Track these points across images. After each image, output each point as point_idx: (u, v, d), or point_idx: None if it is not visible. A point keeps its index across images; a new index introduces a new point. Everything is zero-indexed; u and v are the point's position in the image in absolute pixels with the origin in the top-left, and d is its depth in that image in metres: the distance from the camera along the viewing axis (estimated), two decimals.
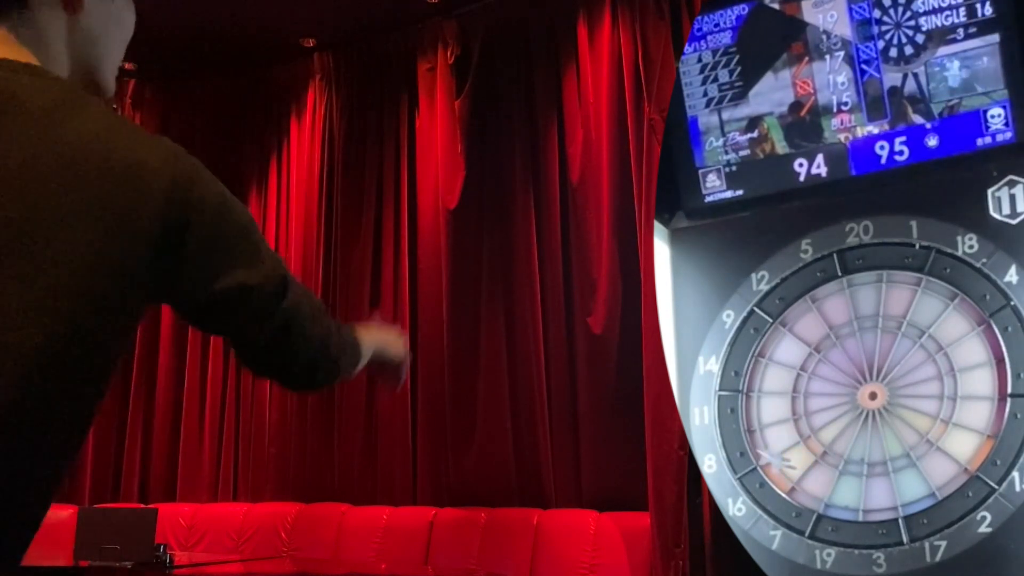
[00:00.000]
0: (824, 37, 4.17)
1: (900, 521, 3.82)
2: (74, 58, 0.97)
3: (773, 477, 4.08)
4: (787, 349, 4.15)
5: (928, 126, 3.99)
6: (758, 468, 4.10)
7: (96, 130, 0.87)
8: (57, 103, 0.87)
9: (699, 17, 4.41)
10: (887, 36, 4.05)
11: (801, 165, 4.23)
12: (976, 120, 3.89)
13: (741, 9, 4.32)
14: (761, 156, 4.32)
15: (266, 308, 0.99)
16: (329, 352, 1.09)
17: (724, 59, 4.36)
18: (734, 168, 4.36)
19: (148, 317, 6.19)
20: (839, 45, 4.14)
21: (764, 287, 4.22)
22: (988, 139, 3.89)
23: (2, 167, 0.82)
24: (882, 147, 4.08)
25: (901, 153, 4.04)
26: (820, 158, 4.19)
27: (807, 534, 3.96)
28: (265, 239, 1.03)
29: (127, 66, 6.20)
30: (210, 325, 1.02)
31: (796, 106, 4.24)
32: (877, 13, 4.06)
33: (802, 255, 4.16)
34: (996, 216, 3.81)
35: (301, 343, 1.04)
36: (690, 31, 4.42)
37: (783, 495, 4.03)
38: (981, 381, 3.78)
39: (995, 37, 3.84)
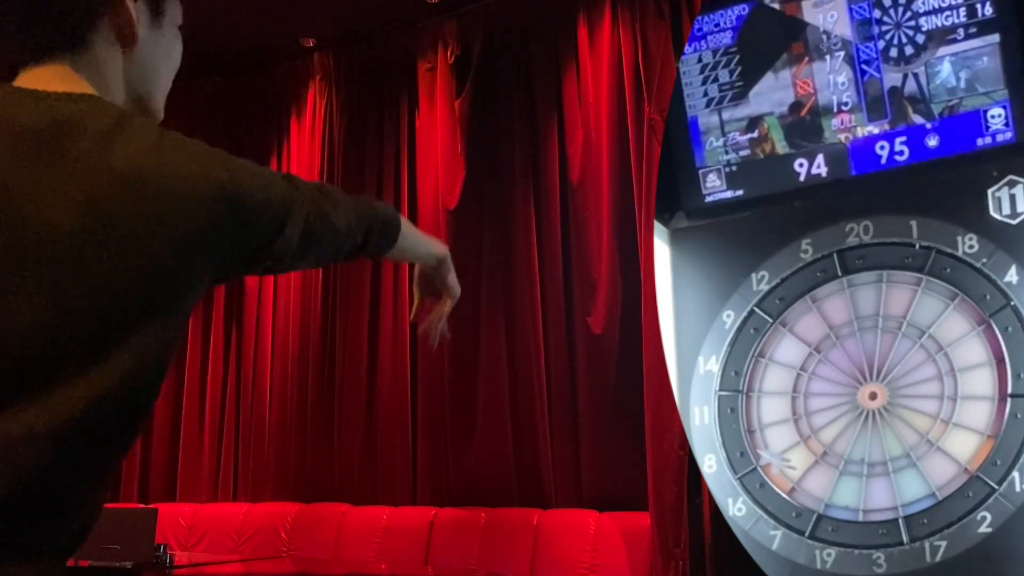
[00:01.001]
0: (824, 37, 4.16)
1: (900, 521, 3.81)
2: (129, 89, 1.07)
3: (773, 477, 4.08)
4: (787, 349, 4.15)
5: (928, 126, 3.99)
6: (758, 468, 4.10)
7: (147, 147, 0.96)
8: (112, 125, 0.95)
9: (699, 17, 4.41)
10: (887, 36, 4.05)
11: (801, 165, 4.23)
12: (976, 120, 3.89)
13: (741, 9, 4.32)
14: (761, 156, 4.32)
15: (288, 249, 1.10)
16: (355, 227, 1.21)
17: (724, 59, 4.36)
18: (734, 168, 4.36)
19: None
20: (839, 45, 4.14)
21: (764, 287, 4.22)
22: (988, 139, 3.89)
23: (66, 186, 0.90)
24: (882, 147, 4.08)
25: (901, 153, 4.04)
26: (820, 158, 4.19)
27: (807, 534, 3.96)
28: (275, 173, 1.12)
29: None
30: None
31: (796, 106, 4.24)
32: (877, 13, 4.06)
33: (802, 255, 4.16)
34: (996, 216, 3.81)
35: (330, 246, 1.17)
36: (690, 31, 4.42)
37: (783, 495, 4.03)
38: (981, 381, 3.78)
39: (995, 37, 3.84)
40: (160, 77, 1.12)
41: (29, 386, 0.87)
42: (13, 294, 0.87)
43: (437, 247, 1.47)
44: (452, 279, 1.48)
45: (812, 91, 4.19)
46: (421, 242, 1.43)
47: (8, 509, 0.87)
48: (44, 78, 0.99)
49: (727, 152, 4.37)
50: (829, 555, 3.90)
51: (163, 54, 1.11)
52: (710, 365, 4.26)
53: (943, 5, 3.93)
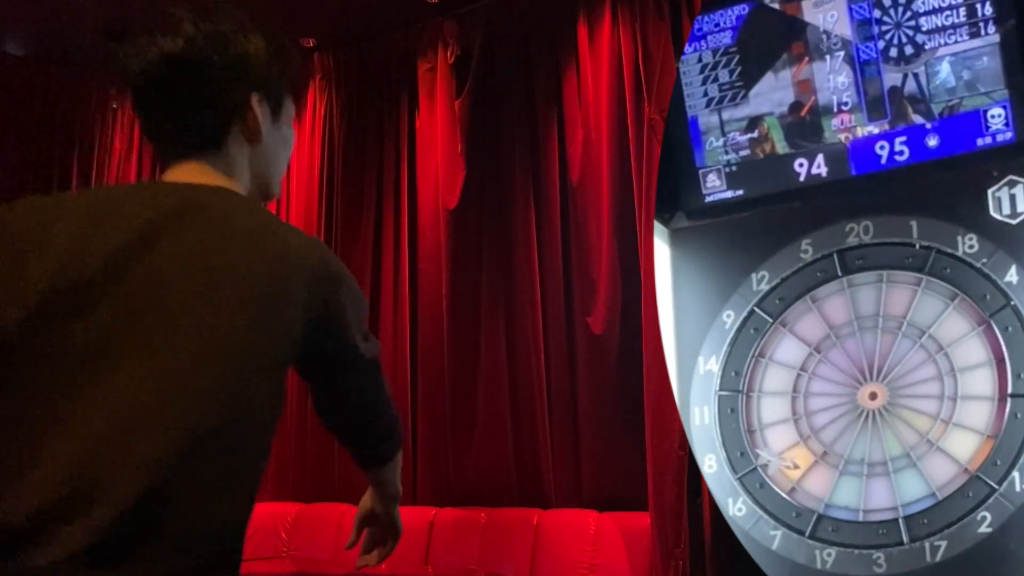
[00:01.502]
0: (824, 37, 4.17)
1: (900, 521, 3.82)
2: (254, 175, 1.29)
3: (773, 477, 4.08)
4: (787, 349, 4.15)
5: (928, 126, 3.99)
6: (758, 468, 4.10)
7: (258, 223, 1.17)
8: (231, 208, 1.18)
9: (699, 17, 4.41)
10: (887, 36, 4.05)
11: (801, 165, 4.24)
12: (976, 120, 3.89)
13: (741, 9, 4.32)
14: (761, 156, 4.32)
15: (364, 373, 1.31)
16: (390, 411, 1.41)
17: (724, 59, 4.36)
18: (734, 168, 4.36)
19: None
20: (839, 45, 4.14)
21: (764, 287, 4.22)
22: (988, 139, 3.89)
23: (189, 253, 1.11)
24: (882, 147, 4.08)
25: (901, 153, 4.05)
26: (820, 158, 4.20)
27: (807, 534, 3.96)
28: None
29: None
30: (313, 374, 1.28)
31: (796, 106, 4.24)
32: (877, 13, 4.06)
33: (802, 255, 4.16)
34: (996, 216, 3.82)
35: (374, 398, 1.36)
36: (690, 31, 4.42)
37: (783, 495, 4.04)
38: (981, 381, 3.78)
39: (995, 37, 3.84)
40: (279, 163, 1.34)
41: (152, 418, 1.03)
42: (152, 339, 1.07)
43: (400, 484, 1.58)
44: (399, 517, 1.60)
45: (812, 91, 4.19)
46: (399, 471, 1.55)
47: (121, 531, 0.97)
48: (186, 173, 1.22)
49: (727, 152, 4.37)
50: (829, 555, 3.90)
51: (281, 145, 1.32)
52: (710, 365, 4.26)
53: (943, 5, 3.93)
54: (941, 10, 3.93)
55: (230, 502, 1.08)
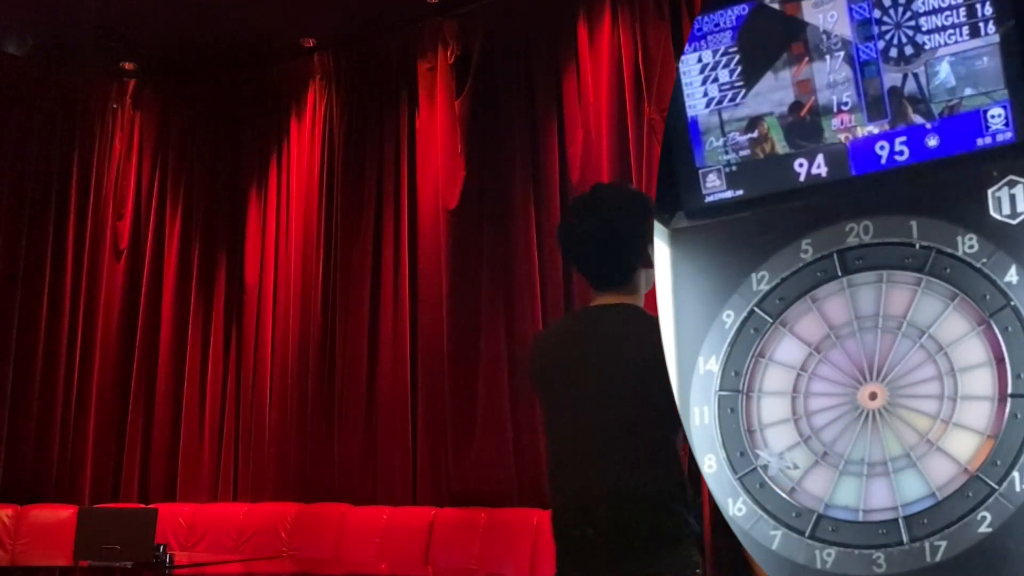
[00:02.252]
0: (824, 37, 4.17)
1: (900, 521, 3.82)
2: (645, 285, 2.03)
3: (773, 477, 4.08)
4: (787, 349, 4.15)
5: (928, 126, 3.99)
6: (758, 468, 4.11)
7: (642, 316, 2.04)
8: (641, 312, 2.05)
9: (699, 17, 4.40)
10: (887, 36, 4.06)
11: (801, 165, 4.24)
12: (976, 120, 3.90)
13: (741, 9, 4.33)
14: (761, 156, 4.32)
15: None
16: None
17: (724, 59, 4.36)
18: (734, 168, 4.36)
19: (147, 317, 6.19)
20: (839, 45, 4.14)
21: (764, 287, 4.22)
22: (988, 139, 3.89)
23: (632, 340, 2.09)
24: (882, 147, 4.08)
25: (901, 153, 4.05)
26: (820, 158, 4.20)
27: (807, 534, 3.96)
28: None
29: (127, 66, 6.20)
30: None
31: (796, 106, 4.24)
32: (877, 13, 4.07)
33: (802, 255, 4.16)
34: (996, 216, 3.82)
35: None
36: (690, 31, 4.42)
37: (783, 495, 4.04)
38: (981, 381, 3.78)
39: (995, 37, 3.84)
40: (655, 275, 2.06)
41: (626, 434, 2.09)
42: (614, 392, 2.01)
43: None
44: None
45: (812, 91, 4.20)
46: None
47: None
48: (608, 299, 2.02)
49: (727, 152, 4.37)
50: (829, 555, 3.90)
51: (653, 263, 2.04)
52: (710, 365, 4.26)
53: (943, 5, 3.93)
54: (941, 10, 3.94)
55: (654, 475, 2.01)
